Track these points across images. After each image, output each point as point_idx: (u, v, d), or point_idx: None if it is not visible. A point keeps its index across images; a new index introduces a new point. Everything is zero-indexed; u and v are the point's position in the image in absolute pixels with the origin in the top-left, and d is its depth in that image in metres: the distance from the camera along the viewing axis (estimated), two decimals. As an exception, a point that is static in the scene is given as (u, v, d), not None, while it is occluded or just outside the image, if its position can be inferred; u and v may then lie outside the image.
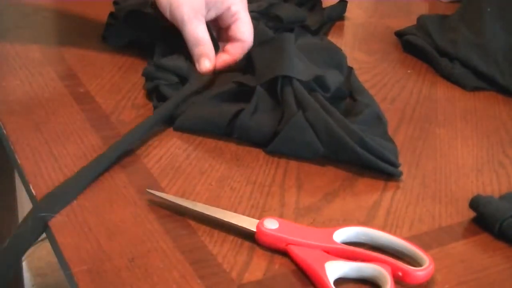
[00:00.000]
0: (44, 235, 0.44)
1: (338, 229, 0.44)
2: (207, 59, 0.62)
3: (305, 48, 0.66)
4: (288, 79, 0.57)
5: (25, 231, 0.41)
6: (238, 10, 0.63)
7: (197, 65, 0.62)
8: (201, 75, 0.62)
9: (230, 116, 0.55)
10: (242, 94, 0.58)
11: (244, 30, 0.64)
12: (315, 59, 0.64)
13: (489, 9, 0.78)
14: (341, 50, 0.73)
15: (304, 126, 0.53)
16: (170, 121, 0.57)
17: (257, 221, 0.44)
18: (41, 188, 0.47)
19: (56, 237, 0.42)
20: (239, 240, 0.44)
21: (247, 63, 0.63)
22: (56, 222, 0.44)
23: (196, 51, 0.62)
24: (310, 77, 0.58)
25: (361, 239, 0.45)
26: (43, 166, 0.49)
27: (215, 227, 0.45)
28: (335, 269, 0.41)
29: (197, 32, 0.61)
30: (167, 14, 0.62)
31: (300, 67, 0.59)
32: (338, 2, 0.90)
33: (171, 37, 0.65)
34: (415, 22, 0.84)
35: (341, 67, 0.65)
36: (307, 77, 0.58)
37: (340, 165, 0.54)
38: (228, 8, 0.62)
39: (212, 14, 0.63)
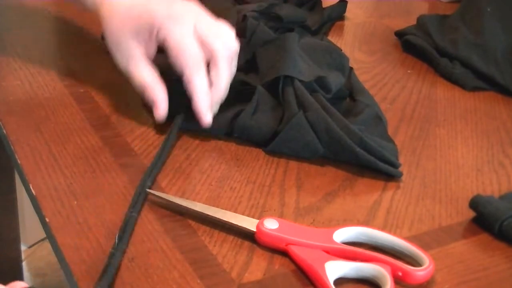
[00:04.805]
0: (44, 235, 0.44)
1: (338, 229, 0.44)
2: (155, 107, 0.53)
3: (308, 48, 0.66)
4: (289, 79, 0.57)
5: None
6: (220, 58, 0.54)
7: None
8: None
9: (231, 116, 0.55)
10: (244, 93, 0.58)
11: (222, 76, 0.54)
12: (318, 60, 0.64)
13: (489, 9, 0.77)
14: (341, 50, 0.73)
15: (305, 126, 0.53)
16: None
17: (257, 221, 0.44)
18: (41, 188, 0.47)
19: (56, 237, 0.42)
20: (239, 240, 0.44)
21: (250, 62, 0.63)
22: (56, 222, 0.44)
23: (145, 95, 0.54)
24: (311, 78, 0.58)
25: (361, 239, 0.45)
26: (43, 166, 0.49)
27: (215, 227, 0.45)
28: (335, 269, 0.41)
29: (141, 75, 0.54)
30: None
31: (303, 68, 0.59)
32: (338, 2, 0.90)
33: None
34: (415, 22, 0.84)
35: (343, 69, 0.65)
36: (308, 78, 0.58)
37: (340, 165, 0.54)
38: (213, 57, 0.54)
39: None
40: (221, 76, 0.54)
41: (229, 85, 0.55)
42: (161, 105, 0.53)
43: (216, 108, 0.55)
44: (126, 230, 0.43)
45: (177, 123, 0.55)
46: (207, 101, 0.53)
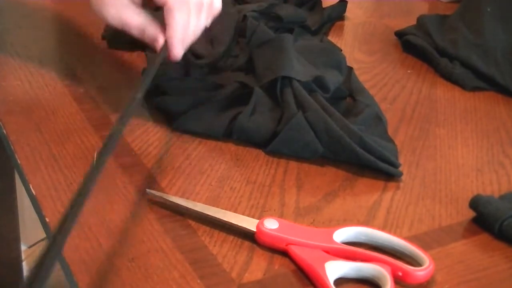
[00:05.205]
0: (44, 235, 0.44)
1: (338, 229, 0.44)
2: (156, 41, 0.55)
3: (304, 49, 0.66)
4: (287, 80, 0.58)
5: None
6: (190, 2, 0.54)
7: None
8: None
9: (229, 119, 0.56)
10: (243, 95, 0.58)
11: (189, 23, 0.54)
12: (314, 60, 0.64)
13: (489, 9, 0.78)
14: (341, 50, 0.73)
15: (304, 127, 0.53)
16: (169, 120, 0.57)
17: (257, 221, 0.44)
18: (41, 188, 0.47)
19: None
20: (239, 240, 0.44)
21: (249, 63, 0.63)
22: (56, 222, 0.44)
23: (145, 37, 0.55)
24: (309, 78, 0.58)
25: (361, 239, 0.45)
26: (43, 166, 0.49)
27: (215, 227, 0.45)
28: (335, 269, 0.41)
29: (135, 19, 0.54)
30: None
31: (299, 68, 0.59)
32: (338, 2, 0.90)
33: None
34: (415, 22, 0.84)
35: (340, 67, 0.65)
36: (306, 78, 0.58)
37: (340, 165, 0.54)
38: None
39: None
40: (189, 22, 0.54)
41: (196, 34, 0.56)
42: (161, 38, 0.54)
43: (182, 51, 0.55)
44: (109, 144, 0.41)
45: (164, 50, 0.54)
46: (181, 33, 0.54)
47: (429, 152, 0.58)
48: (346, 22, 0.90)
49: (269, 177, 0.52)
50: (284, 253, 0.43)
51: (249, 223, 0.44)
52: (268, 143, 0.54)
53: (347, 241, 0.44)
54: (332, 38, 0.82)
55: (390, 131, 0.59)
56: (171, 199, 0.46)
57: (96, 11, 0.56)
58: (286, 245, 0.43)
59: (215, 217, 0.45)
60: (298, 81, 0.57)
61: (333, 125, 0.53)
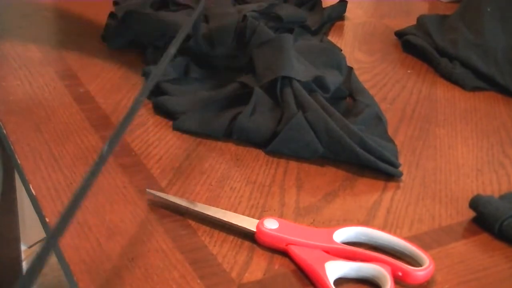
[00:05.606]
0: (44, 235, 0.44)
1: (338, 229, 0.44)
2: None
3: (304, 49, 0.66)
4: (288, 80, 0.57)
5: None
6: None
7: None
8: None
9: (229, 119, 0.56)
10: (243, 95, 0.58)
11: None
12: (314, 60, 0.64)
13: (489, 9, 0.78)
14: (341, 50, 0.73)
15: (304, 126, 0.53)
16: (170, 117, 0.57)
17: (257, 221, 0.44)
18: (41, 188, 0.47)
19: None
20: (239, 240, 0.44)
21: (249, 63, 0.63)
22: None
23: None
24: (309, 78, 0.58)
25: (361, 239, 0.45)
26: (43, 166, 0.49)
27: (215, 227, 0.45)
28: (335, 269, 0.41)
29: None
30: None
31: (299, 68, 0.59)
32: (338, 2, 0.90)
33: (166, 38, 0.65)
34: (415, 22, 0.84)
35: (340, 67, 0.65)
36: (306, 78, 0.58)
37: (340, 165, 0.54)
38: None
39: None
40: None
41: None
42: None
43: None
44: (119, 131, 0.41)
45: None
46: None
47: (429, 152, 0.58)
48: (346, 22, 0.90)
49: (269, 177, 0.52)
50: (284, 253, 0.43)
51: (249, 223, 0.44)
52: (268, 143, 0.54)
53: (347, 241, 0.44)
54: (332, 38, 0.82)
55: (390, 131, 0.59)
56: (171, 199, 0.46)
57: None
58: (286, 245, 0.43)
59: (215, 217, 0.45)
60: (298, 81, 0.57)
61: (333, 125, 0.53)
